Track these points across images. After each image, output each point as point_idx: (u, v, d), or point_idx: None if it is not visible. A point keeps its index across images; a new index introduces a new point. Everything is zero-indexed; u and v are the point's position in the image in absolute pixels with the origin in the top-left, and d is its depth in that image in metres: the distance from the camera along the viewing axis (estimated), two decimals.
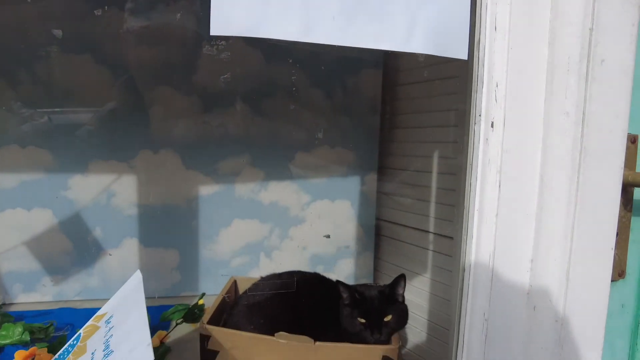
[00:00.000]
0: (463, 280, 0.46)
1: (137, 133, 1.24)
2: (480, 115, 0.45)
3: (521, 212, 0.45)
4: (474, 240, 0.45)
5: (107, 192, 1.23)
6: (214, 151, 1.28)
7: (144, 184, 1.25)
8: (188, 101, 1.25)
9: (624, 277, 0.54)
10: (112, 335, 0.69)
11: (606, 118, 0.44)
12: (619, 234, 0.51)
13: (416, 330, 1.40)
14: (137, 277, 0.77)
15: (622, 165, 0.46)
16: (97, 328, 0.75)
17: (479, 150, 0.44)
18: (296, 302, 0.92)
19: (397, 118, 1.38)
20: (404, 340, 1.35)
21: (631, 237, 0.54)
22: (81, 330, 0.79)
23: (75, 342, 0.77)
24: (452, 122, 1.19)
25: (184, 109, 1.25)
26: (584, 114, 0.43)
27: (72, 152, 1.20)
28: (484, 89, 0.44)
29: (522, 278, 0.45)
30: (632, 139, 0.54)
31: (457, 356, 0.47)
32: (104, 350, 0.66)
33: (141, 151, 1.24)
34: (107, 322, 0.74)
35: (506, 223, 0.45)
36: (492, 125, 0.44)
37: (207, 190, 1.29)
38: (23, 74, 1.15)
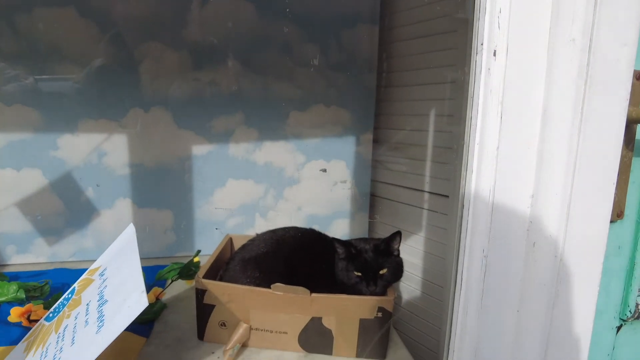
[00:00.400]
0: (462, 217, 0.45)
1: (127, 91, 1.20)
2: (482, 44, 0.42)
3: (523, 145, 0.44)
4: (473, 175, 0.43)
5: (98, 152, 1.21)
6: (206, 109, 1.25)
7: (136, 143, 1.22)
8: (178, 57, 1.21)
9: (622, 218, 0.54)
10: (106, 286, 0.68)
11: (614, 45, 0.42)
12: (620, 174, 0.50)
13: (410, 289, 1.41)
14: (130, 230, 0.76)
15: (628, 98, 0.44)
16: (91, 281, 0.75)
17: (480, 81, 0.43)
18: (292, 256, 0.92)
19: (393, 76, 1.35)
20: (398, 299, 1.36)
21: (631, 177, 0.53)
22: (75, 284, 0.79)
23: (70, 295, 0.77)
24: (450, 79, 1.17)
25: (175, 65, 1.21)
26: (590, 40, 0.41)
27: (60, 110, 1.17)
28: (487, 16, 0.42)
29: (522, 214, 0.44)
30: (637, 76, 0.52)
31: (456, 293, 0.47)
32: (98, 301, 0.65)
33: (132, 109, 1.20)
34: (101, 274, 0.74)
35: (507, 157, 0.43)
36: (494, 54, 0.42)
37: (200, 149, 1.27)
38: (4, 29, 1.11)
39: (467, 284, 0.46)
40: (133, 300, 0.58)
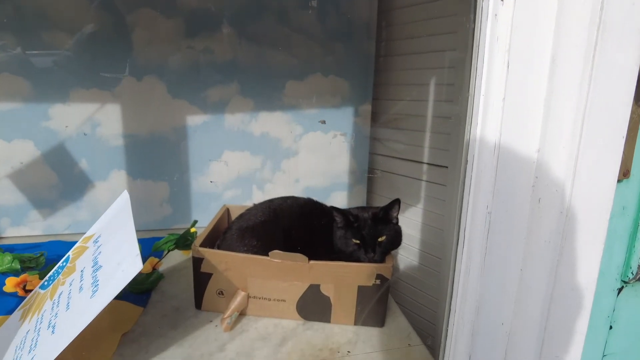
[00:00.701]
0: (465, 173, 0.44)
1: (119, 59, 1.17)
2: None
3: (530, 96, 0.42)
4: (478, 128, 0.42)
5: (91, 122, 1.18)
6: (200, 79, 1.22)
7: (129, 113, 1.19)
8: (172, 24, 1.17)
9: (628, 177, 0.53)
10: (100, 252, 0.67)
11: None
12: (628, 131, 0.48)
13: (408, 261, 1.41)
14: (124, 197, 0.75)
15: None
16: (85, 249, 0.74)
17: (486, 27, 0.40)
18: (290, 225, 0.91)
19: (393, 44, 1.31)
20: (396, 271, 1.37)
21: (639, 136, 0.52)
22: (70, 252, 0.78)
23: (64, 263, 0.76)
24: (451, 46, 1.14)
25: (168, 33, 1.17)
26: None
27: (51, 79, 1.14)
28: None
29: (528, 169, 0.43)
30: None
31: (458, 252, 0.46)
32: (92, 267, 0.64)
33: (124, 78, 1.17)
34: (95, 241, 0.72)
35: (514, 109, 0.42)
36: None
37: (195, 120, 1.24)
38: None
39: (469, 242, 0.45)
40: (127, 263, 0.57)
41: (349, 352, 0.79)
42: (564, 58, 0.41)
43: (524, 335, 0.46)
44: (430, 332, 1.30)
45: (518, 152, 0.42)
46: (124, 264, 0.57)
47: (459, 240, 0.46)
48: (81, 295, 0.58)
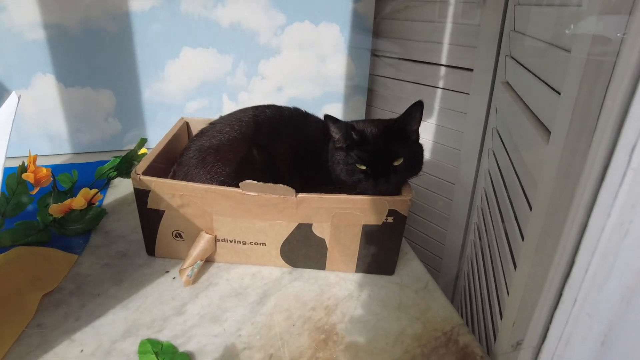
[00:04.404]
0: None
1: None
2: None
3: None
4: None
5: None
6: None
7: None
8: None
9: None
10: None
11: None
12: None
13: (415, 188, 1.20)
14: (11, 100, 0.48)
15: None
16: None
17: None
18: (269, 144, 0.66)
19: None
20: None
21: None
22: None
23: None
24: None
25: None
26: None
27: None
28: None
29: None
30: None
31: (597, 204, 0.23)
32: None
33: None
34: None
35: None
36: None
37: (140, 4, 0.92)
38: None
39: None
40: None
41: (351, 316, 0.59)
42: None
43: None
44: (436, 267, 1.13)
45: None
46: None
47: (607, 176, 0.22)
48: None
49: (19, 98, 0.49)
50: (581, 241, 0.26)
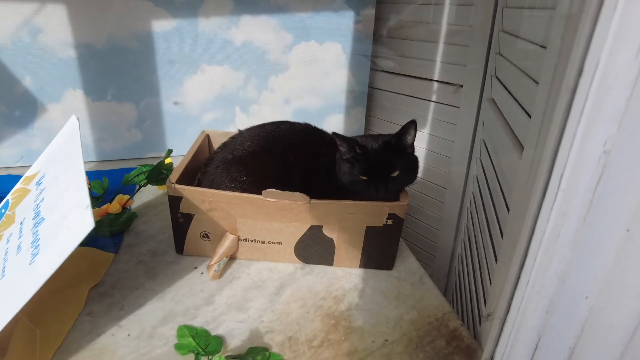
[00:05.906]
0: (575, 90, 0.28)
1: None
2: None
3: None
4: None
5: (30, 27, 0.95)
6: None
7: (79, 16, 0.96)
8: None
9: None
10: (43, 199, 0.51)
11: None
12: None
13: (410, 192, 1.30)
14: (71, 125, 0.57)
15: None
16: (27, 192, 0.58)
17: None
18: (284, 156, 0.76)
19: None
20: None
21: None
22: (9, 196, 0.62)
23: (3, 210, 0.60)
24: None
25: None
26: None
27: None
28: None
29: None
30: None
31: (544, 207, 0.32)
32: (33, 219, 0.49)
33: None
34: (38, 183, 0.56)
35: None
36: None
37: (162, 25, 1.01)
38: None
39: (568, 194, 0.31)
40: (75, 218, 0.42)
41: (356, 305, 0.69)
42: None
43: (613, 311, 0.35)
44: (429, 264, 1.23)
45: None
46: (70, 218, 0.42)
47: (547, 191, 0.32)
48: (19, 259, 0.44)
49: (78, 120, 0.58)
50: (531, 239, 0.36)
